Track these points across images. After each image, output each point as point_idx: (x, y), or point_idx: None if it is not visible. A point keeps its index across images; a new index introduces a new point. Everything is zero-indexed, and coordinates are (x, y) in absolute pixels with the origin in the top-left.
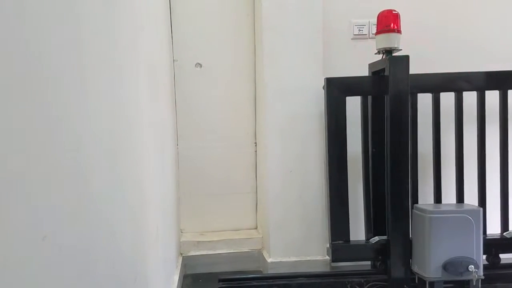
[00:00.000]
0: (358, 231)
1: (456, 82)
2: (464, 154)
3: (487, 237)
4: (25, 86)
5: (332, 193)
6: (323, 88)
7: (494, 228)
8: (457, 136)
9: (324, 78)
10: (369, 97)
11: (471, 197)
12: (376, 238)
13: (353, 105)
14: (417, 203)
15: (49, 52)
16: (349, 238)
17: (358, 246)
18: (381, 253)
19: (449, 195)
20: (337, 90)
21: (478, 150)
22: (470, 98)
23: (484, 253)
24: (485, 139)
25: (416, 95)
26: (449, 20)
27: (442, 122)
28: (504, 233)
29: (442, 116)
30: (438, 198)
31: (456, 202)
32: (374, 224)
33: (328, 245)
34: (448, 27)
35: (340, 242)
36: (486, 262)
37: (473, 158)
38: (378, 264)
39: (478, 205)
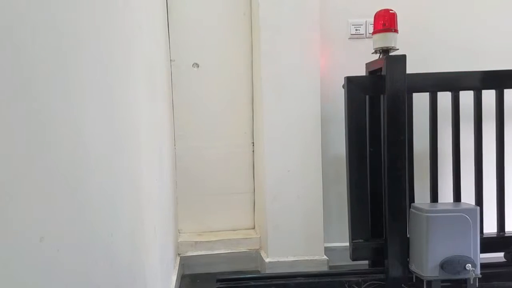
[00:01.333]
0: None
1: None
2: (461, 153)
3: (505, 235)
4: (21, 88)
5: (352, 192)
6: (343, 87)
7: (491, 226)
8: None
9: (344, 77)
10: (367, 97)
11: (468, 196)
12: None
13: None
14: (413, 202)
15: (46, 53)
16: (370, 237)
17: (377, 244)
18: None
19: (446, 194)
20: (358, 88)
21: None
22: (466, 97)
23: (498, 251)
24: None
25: (412, 94)
26: (446, 19)
27: (439, 122)
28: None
29: (440, 115)
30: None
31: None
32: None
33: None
34: (443, 27)
35: (360, 240)
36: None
37: (470, 157)
38: None
39: (475, 204)
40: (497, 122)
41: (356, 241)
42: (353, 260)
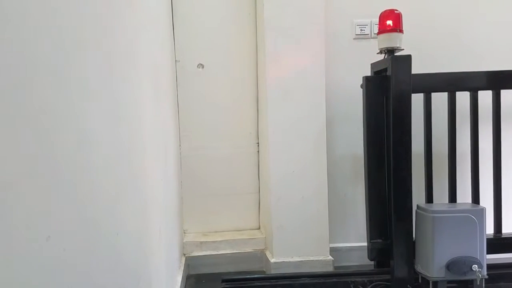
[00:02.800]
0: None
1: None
2: (457, 154)
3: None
4: (26, 87)
5: (370, 192)
6: (361, 87)
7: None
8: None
9: (363, 77)
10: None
11: (463, 196)
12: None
13: (353, 105)
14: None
15: (51, 52)
16: (388, 237)
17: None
18: None
19: (441, 194)
20: (376, 88)
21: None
22: (462, 97)
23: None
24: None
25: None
26: (451, 19)
27: (439, 122)
28: None
29: (439, 115)
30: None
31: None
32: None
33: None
34: (448, 26)
35: (379, 240)
36: None
37: (468, 157)
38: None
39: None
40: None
41: (374, 241)
42: (371, 260)
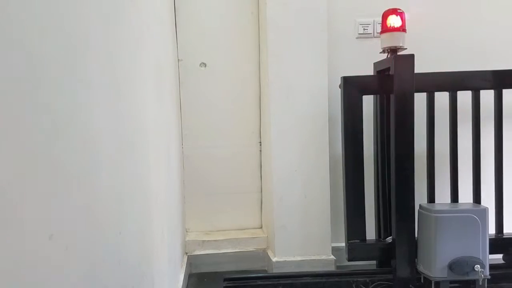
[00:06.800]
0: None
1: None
2: (459, 153)
3: (504, 236)
4: (30, 87)
5: (348, 192)
6: (339, 86)
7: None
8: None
9: (341, 77)
10: (374, 96)
11: (465, 196)
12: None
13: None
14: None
15: (54, 52)
16: (365, 237)
17: (373, 245)
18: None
19: (443, 194)
20: (354, 88)
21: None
22: (464, 97)
23: (498, 253)
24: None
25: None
26: (454, 19)
27: (440, 122)
28: None
29: (441, 115)
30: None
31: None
32: (381, 224)
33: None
34: (451, 26)
35: (356, 241)
36: (503, 261)
37: (468, 157)
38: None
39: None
40: (495, 122)
41: (352, 241)
42: (349, 260)
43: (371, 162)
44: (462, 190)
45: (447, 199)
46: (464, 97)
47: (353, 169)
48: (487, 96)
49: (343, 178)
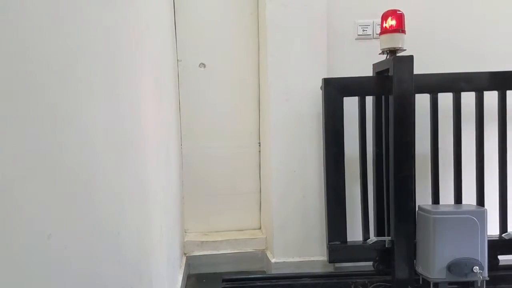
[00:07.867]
0: (356, 231)
1: (455, 83)
2: (463, 155)
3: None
4: (30, 87)
5: (329, 194)
6: (321, 88)
7: (492, 229)
8: (455, 137)
9: (322, 79)
10: (373, 98)
11: (469, 197)
12: (374, 239)
13: (352, 105)
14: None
15: (54, 52)
16: (346, 239)
17: (355, 247)
18: (378, 254)
19: (447, 195)
20: (335, 90)
21: (476, 150)
22: (468, 98)
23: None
24: (484, 139)
25: (414, 95)
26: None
27: (444, 123)
28: (503, 235)
29: (441, 116)
30: (436, 199)
31: (454, 203)
32: (375, 224)
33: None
34: (450, 27)
35: (337, 242)
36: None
37: (472, 158)
38: (376, 264)
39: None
40: (499, 123)
41: (332, 243)
42: (330, 262)
43: (371, 163)
44: (466, 192)
45: (452, 200)
46: (468, 99)
47: (333, 171)
48: (490, 98)
49: (324, 180)
